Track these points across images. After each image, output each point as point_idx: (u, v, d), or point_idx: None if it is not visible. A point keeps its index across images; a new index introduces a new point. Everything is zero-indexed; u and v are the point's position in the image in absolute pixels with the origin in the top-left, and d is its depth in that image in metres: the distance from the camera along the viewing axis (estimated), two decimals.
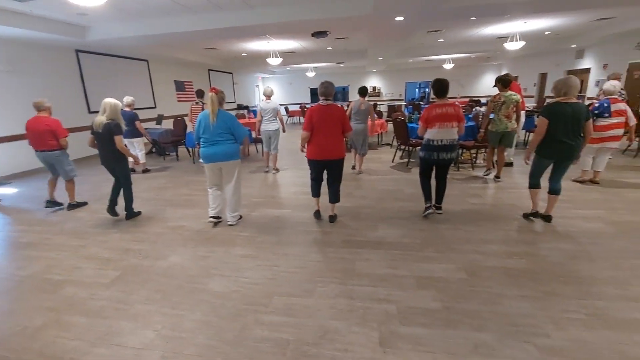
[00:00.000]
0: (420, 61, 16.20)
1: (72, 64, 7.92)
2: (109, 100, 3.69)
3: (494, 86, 4.83)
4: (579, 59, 13.23)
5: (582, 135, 3.12)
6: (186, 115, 8.99)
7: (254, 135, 7.10)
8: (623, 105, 4.38)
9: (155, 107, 10.77)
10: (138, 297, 2.44)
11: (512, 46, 8.96)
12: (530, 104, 12.98)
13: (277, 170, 6.08)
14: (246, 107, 16.27)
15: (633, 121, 4.45)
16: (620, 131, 4.38)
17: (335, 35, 9.31)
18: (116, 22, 6.79)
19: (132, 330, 2.08)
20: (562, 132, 3.07)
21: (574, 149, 3.12)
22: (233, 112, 15.19)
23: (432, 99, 3.43)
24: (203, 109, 3.50)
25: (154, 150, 8.66)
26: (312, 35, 8.54)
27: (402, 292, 2.37)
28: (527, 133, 7.90)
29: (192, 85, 12.67)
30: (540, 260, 2.75)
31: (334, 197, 3.68)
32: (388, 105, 14.73)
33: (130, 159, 4.14)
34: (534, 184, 3.48)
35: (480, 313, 2.12)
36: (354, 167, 5.85)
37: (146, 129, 8.40)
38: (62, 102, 7.54)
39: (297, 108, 17.30)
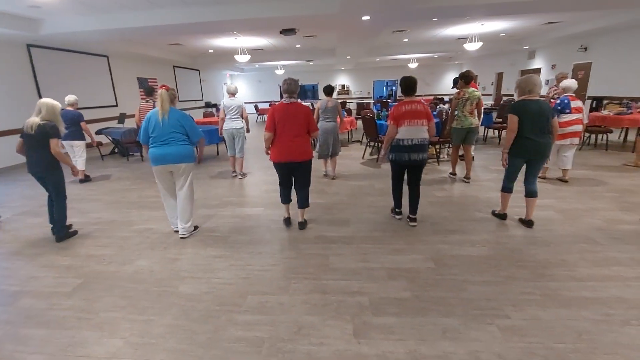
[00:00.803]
0: (387, 60, 16.53)
1: (22, 60, 7.32)
2: (46, 100, 3.24)
3: (453, 87, 4.91)
4: (530, 59, 14.07)
5: (549, 132, 3.10)
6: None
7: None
8: (580, 103, 4.47)
9: (116, 106, 10.22)
10: (103, 304, 2.32)
11: (471, 47, 9.36)
12: (488, 102, 13.65)
13: (244, 174, 5.66)
14: (215, 105, 15.86)
15: (586, 119, 4.59)
16: (580, 127, 4.43)
17: (304, 33, 9.28)
18: (73, 15, 6.37)
19: (98, 339, 1.97)
20: (530, 130, 3.04)
21: (544, 146, 3.09)
22: (201, 111, 14.79)
23: (400, 97, 3.41)
24: (154, 108, 3.19)
25: (116, 150, 8.23)
26: (281, 32, 8.46)
27: (373, 284, 2.42)
28: (486, 129, 8.30)
29: (156, 82, 12.15)
30: (500, 247, 2.92)
31: (302, 202, 3.43)
32: (357, 103, 14.93)
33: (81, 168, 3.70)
34: (507, 188, 3.36)
35: (447, 299, 2.21)
36: (325, 175, 5.48)
37: (107, 128, 7.98)
38: (11, 101, 6.97)
39: (267, 106, 17.10)
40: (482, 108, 4.88)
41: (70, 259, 3.01)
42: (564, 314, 2.04)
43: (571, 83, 4.53)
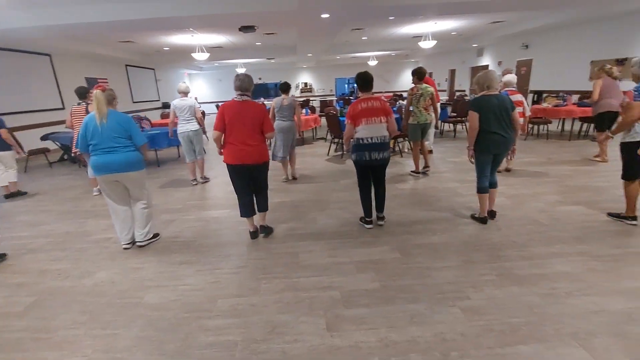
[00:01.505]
0: (348, 58, 16.76)
1: None
2: None
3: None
4: (479, 56, 14.92)
5: (511, 126, 3.10)
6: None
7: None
8: (520, 97, 4.62)
9: (63, 109, 9.46)
10: (61, 322, 2.16)
11: (426, 45, 9.74)
12: (443, 97, 14.30)
13: (207, 179, 5.33)
14: (169, 106, 15.18)
15: (528, 112, 4.87)
16: (521, 120, 4.58)
17: (264, 30, 9.15)
18: (9, 10, 5.78)
19: (58, 359, 1.84)
20: (493, 124, 3.02)
21: (508, 140, 3.09)
22: (157, 112, 14.10)
23: (359, 95, 3.19)
24: (88, 112, 2.83)
25: (65, 157, 7.63)
26: (240, 29, 8.28)
27: (344, 278, 2.47)
28: (443, 123, 8.70)
29: (107, 82, 11.40)
30: (459, 233, 3.09)
31: (263, 205, 3.21)
32: (320, 101, 15.00)
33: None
34: (482, 188, 3.23)
35: (413, 287, 2.31)
36: (286, 179, 5.14)
37: (53, 133, 7.37)
38: None
39: None
40: (439, 103, 5.03)
41: (21, 276, 2.76)
42: (517, 291, 2.22)
43: (511, 78, 4.77)
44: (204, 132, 5.10)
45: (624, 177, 3.04)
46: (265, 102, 13.54)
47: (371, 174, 3.27)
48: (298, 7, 5.90)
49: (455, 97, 11.18)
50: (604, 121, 5.18)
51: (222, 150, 3.04)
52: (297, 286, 2.40)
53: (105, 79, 11.48)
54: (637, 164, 2.93)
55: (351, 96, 14.60)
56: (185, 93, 4.95)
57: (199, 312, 2.18)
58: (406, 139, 6.59)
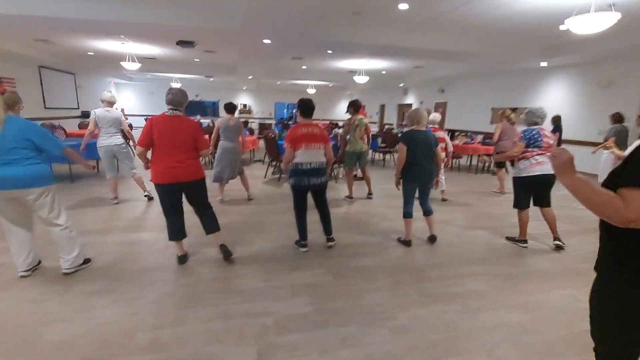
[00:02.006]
0: (287, 84, 17.14)
1: None
2: None
3: (347, 112, 5.39)
4: (405, 95, 16.51)
5: (434, 159, 3.40)
6: None
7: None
8: (442, 133, 5.08)
9: None
10: None
11: (359, 79, 10.48)
12: (374, 129, 15.36)
13: (150, 196, 4.84)
14: None
15: (450, 147, 5.41)
16: (444, 154, 4.97)
17: (204, 47, 8.93)
18: None
19: None
20: (419, 157, 3.28)
21: (430, 172, 3.38)
22: (76, 121, 12.56)
23: (299, 120, 3.26)
24: None
25: None
26: (177, 43, 7.96)
27: (277, 303, 2.41)
28: (373, 152, 9.31)
29: (13, 82, 9.87)
30: (388, 256, 3.27)
31: (213, 225, 3.01)
32: (259, 123, 14.95)
33: None
34: (408, 213, 3.45)
35: (345, 309, 2.36)
36: (221, 201, 4.92)
37: None
38: None
39: None
40: (370, 133, 5.42)
41: None
42: (437, 308, 2.40)
43: (434, 117, 5.37)
44: (134, 147, 4.61)
45: (514, 206, 3.57)
46: (201, 120, 13.04)
47: (313, 199, 3.32)
48: (241, 28, 5.93)
49: (384, 130, 12.13)
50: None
51: (148, 165, 2.82)
52: (228, 313, 2.27)
53: (13, 79, 9.93)
54: (522, 196, 3.48)
55: (290, 121, 14.85)
56: (110, 103, 4.49)
57: (112, 348, 1.91)
58: (341, 165, 6.89)
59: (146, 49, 9.24)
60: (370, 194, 5.43)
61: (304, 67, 12.16)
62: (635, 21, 5.45)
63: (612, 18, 3.83)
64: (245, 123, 13.79)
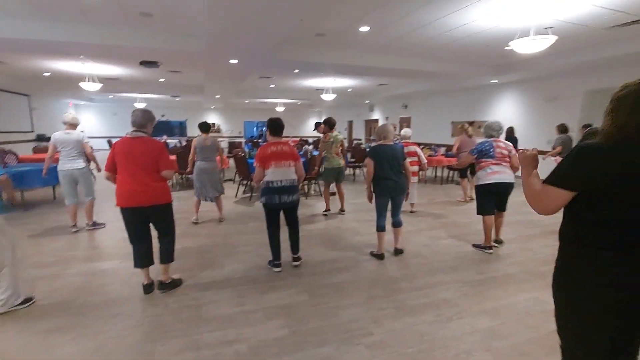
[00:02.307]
0: (256, 102, 17.16)
1: None
2: None
3: (314, 130, 5.46)
4: (371, 111, 17.03)
5: (402, 172, 3.47)
6: None
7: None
8: (414, 147, 5.21)
9: None
10: None
11: (327, 97, 10.71)
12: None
13: (96, 225, 4.51)
14: (49, 139, 12.86)
15: (424, 160, 5.51)
16: (416, 167, 5.30)
17: (168, 67, 8.78)
18: None
19: None
20: (386, 170, 3.36)
21: (401, 185, 3.43)
22: (30, 145, 11.74)
23: (268, 139, 3.28)
24: None
25: None
26: (141, 63, 7.77)
27: (251, 328, 2.33)
28: (347, 168, 9.43)
29: None
30: (361, 270, 3.28)
31: (164, 255, 2.82)
32: (229, 142, 14.74)
33: None
34: (381, 227, 3.51)
35: (322, 329, 2.32)
36: (196, 222, 4.80)
37: None
38: None
39: None
40: (344, 149, 5.52)
41: None
42: (411, 321, 2.42)
43: (405, 132, 5.61)
44: (98, 170, 4.37)
45: (477, 213, 3.75)
46: (167, 140, 12.64)
47: (285, 217, 3.30)
48: (206, 49, 5.91)
49: (353, 145, 12.39)
50: (465, 169, 6.39)
51: None
52: (199, 343, 2.16)
53: None
54: (485, 202, 3.67)
55: (260, 139, 14.80)
56: (72, 125, 4.26)
57: None
58: (313, 182, 6.93)
59: (108, 69, 8.92)
60: (342, 210, 5.48)
61: (272, 85, 12.27)
62: (571, 42, 6.04)
63: (549, 40, 4.22)
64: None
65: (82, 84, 8.45)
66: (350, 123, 18.99)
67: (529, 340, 2.21)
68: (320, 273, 3.22)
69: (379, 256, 3.56)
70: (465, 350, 2.10)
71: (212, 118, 20.12)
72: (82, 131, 4.39)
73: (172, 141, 13.77)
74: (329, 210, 5.40)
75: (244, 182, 6.81)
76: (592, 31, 5.42)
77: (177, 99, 15.24)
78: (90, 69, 8.63)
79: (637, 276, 1.10)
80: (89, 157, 4.39)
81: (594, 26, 5.18)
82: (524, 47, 4.41)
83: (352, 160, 9.27)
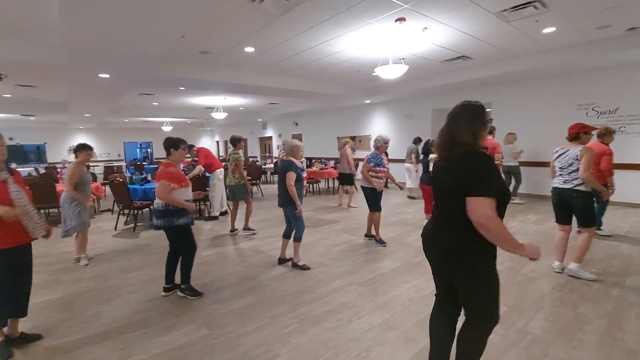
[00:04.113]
0: (138, 121, 15.17)
1: None
2: None
3: (187, 153, 5.14)
4: (264, 129, 17.08)
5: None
6: None
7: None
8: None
9: None
10: None
11: (218, 116, 10.25)
12: None
13: None
14: None
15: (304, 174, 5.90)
16: (305, 182, 5.65)
17: (17, 81, 6.98)
18: None
19: None
20: (279, 184, 3.54)
21: (284, 197, 3.50)
22: None
23: (157, 158, 3.04)
24: None
25: None
26: None
27: None
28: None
29: None
30: (263, 290, 3.13)
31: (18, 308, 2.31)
32: (105, 167, 12.54)
33: None
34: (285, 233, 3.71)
35: None
36: (77, 261, 3.97)
37: None
38: None
39: None
40: (240, 166, 5.30)
41: None
42: (315, 331, 2.40)
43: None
44: None
45: (371, 210, 4.28)
46: (18, 169, 9.98)
47: (170, 241, 3.04)
48: (69, 62, 4.92)
49: (249, 162, 12.11)
50: (344, 179, 7.08)
51: None
52: None
53: None
54: (372, 200, 4.21)
55: (144, 161, 13.07)
56: None
57: None
58: (201, 203, 6.44)
59: None
60: (245, 228, 5.22)
61: (155, 103, 11.06)
62: (419, 71, 7.29)
63: (402, 69, 4.98)
64: (87, 167, 11.36)
65: None
66: (245, 141, 18.61)
67: (414, 326, 2.44)
68: (220, 300, 2.93)
69: (284, 260, 3.75)
70: (365, 348, 2.19)
71: (81, 139, 16.87)
72: None
73: (26, 170, 10.95)
74: (236, 229, 5.11)
75: (125, 211, 5.83)
76: (432, 63, 6.66)
77: (32, 118, 12.24)
78: None
79: None
80: None
81: (433, 59, 6.38)
82: (385, 73, 5.09)
83: (249, 177, 9.01)
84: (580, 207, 3.09)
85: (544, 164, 6.93)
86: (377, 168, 4.16)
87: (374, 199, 4.25)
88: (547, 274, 3.28)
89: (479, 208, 1.36)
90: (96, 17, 3.44)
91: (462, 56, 6.19)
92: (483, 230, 1.38)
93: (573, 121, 3.49)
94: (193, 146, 6.59)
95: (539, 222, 5.40)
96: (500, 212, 1.42)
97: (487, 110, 1.53)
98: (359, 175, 4.88)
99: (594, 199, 3.17)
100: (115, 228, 5.58)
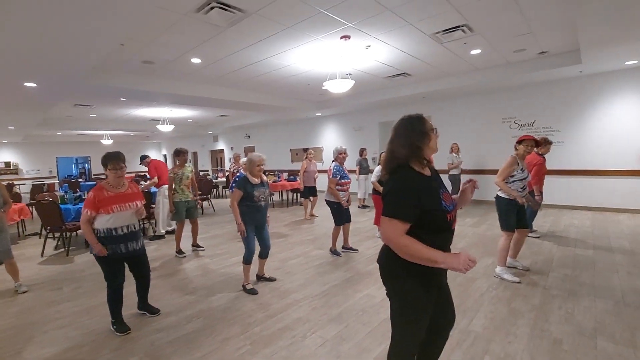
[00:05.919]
0: (73, 135, 13.71)
1: None
2: None
3: (140, 164, 4.80)
4: (215, 142, 16.49)
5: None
6: None
7: None
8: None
9: None
10: None
11: (164, 128, 9.66)
12: None
13: None
14: None
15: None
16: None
17: None
18: None
19: None
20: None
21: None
22: None
23: (96, 174, 2.67)
24: None
25: None
26: None
27: None
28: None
29: None
30: (213, 312, 2.92)
31: None
32: (33, 185, 11.07)
33: None
34: (249, 260, 3.30)
35: None
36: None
37: None
38: None
39: None
40: (194, 181, 5.02)
41: None
42: (268, 352, 2.29)
43: (242, 160, 5.63)
44: None
45: (337, 224, 4.29)
46: None
47: (133, 269, 2.79)
48: None
49: (200, 177, 11.53)
50: (307, 191, 6.95)
51: None
52: None
53: None
54: (337, 215, 4.23)
55: (81, 178, 11.81)
56: None
57: None
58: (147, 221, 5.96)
59: None
60: (197, 245, 4.92)
61: (92, 115, 10.09)
62: (365, 86, 7.59)
63: (349, 83, 5.15)
64: (10, 186, 9.91)
65: None
66: (195, 154, 17.75)
67: (367, 335, 2.44)
68: (165, 328, 2.68)
69: (250, 291, 3.31)
70: None
71: (5, 155, 14.80)
72: None
73: None
74: (183, 252, 4.66)
75: (55, 234, 5.16)
76: (377, 79, 6.99)
77: None
78: None
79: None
80: None
81: (377, 75, 6.69)
82: (333, 87, 5.21)
83: (199, 192, 8.56)
84: (498, 211, 3.40)
85: (477, 172, 7.59)
86: (342, 181, 4.21)
87: (339, 212, 4.26)
88: (485, 274, 3.53)
89: (383, 227, 1.39)
90: (18, 21, 3.04)
91: (403, 73, 6.58)
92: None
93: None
94: (147, 156, 6.14)
95: (475, 225, 5.85)
96: (433, 228, 1.38)
97: (427, 119, 1.51)
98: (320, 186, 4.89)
99: (523, 205, 3.32)
100: (42, 254, 4.89)
